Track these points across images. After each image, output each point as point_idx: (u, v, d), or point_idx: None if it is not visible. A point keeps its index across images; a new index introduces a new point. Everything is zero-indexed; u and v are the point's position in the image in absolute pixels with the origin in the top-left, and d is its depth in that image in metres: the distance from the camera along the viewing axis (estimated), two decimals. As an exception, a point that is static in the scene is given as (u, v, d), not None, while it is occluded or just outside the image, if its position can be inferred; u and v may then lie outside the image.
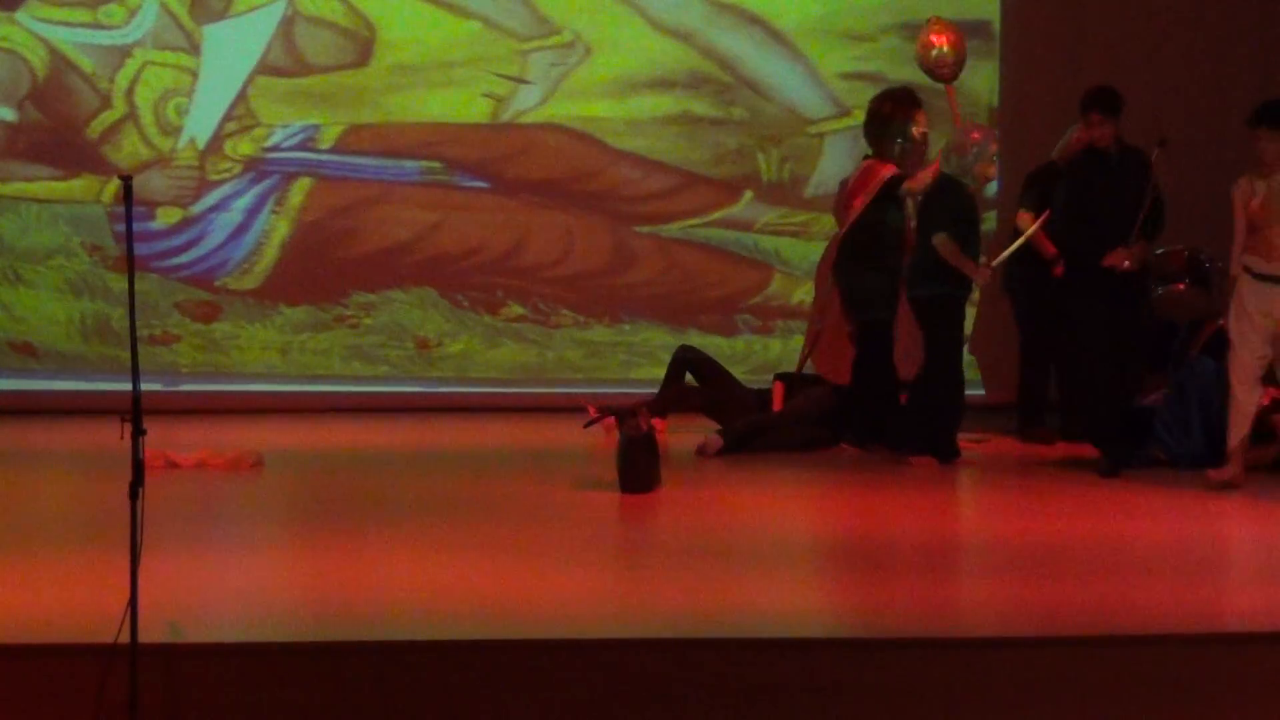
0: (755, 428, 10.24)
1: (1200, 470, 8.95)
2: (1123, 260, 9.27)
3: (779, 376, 10.88)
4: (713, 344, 11.99)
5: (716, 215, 12.46)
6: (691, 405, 10.76)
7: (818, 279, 10.51)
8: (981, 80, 12.47)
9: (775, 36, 12.43)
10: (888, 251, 9.89)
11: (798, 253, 12.44)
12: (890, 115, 10.05)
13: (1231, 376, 8.75)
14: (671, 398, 10.80)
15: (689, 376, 10.99)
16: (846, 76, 12.45)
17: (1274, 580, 6.98)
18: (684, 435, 10.34)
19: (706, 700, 5.58)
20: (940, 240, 9.51)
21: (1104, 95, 9.49)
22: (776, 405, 10.56)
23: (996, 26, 12.46)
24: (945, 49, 10.62)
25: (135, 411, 5.34)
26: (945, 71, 10.67)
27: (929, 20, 10.81)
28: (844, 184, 10.44)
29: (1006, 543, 7.67)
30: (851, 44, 12.42)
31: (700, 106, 12.35)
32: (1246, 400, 8.71)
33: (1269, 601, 6.40)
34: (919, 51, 10.74)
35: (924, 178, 9.84)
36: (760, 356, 12.05)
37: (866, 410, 10.01)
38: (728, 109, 12.37)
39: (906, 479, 9.41)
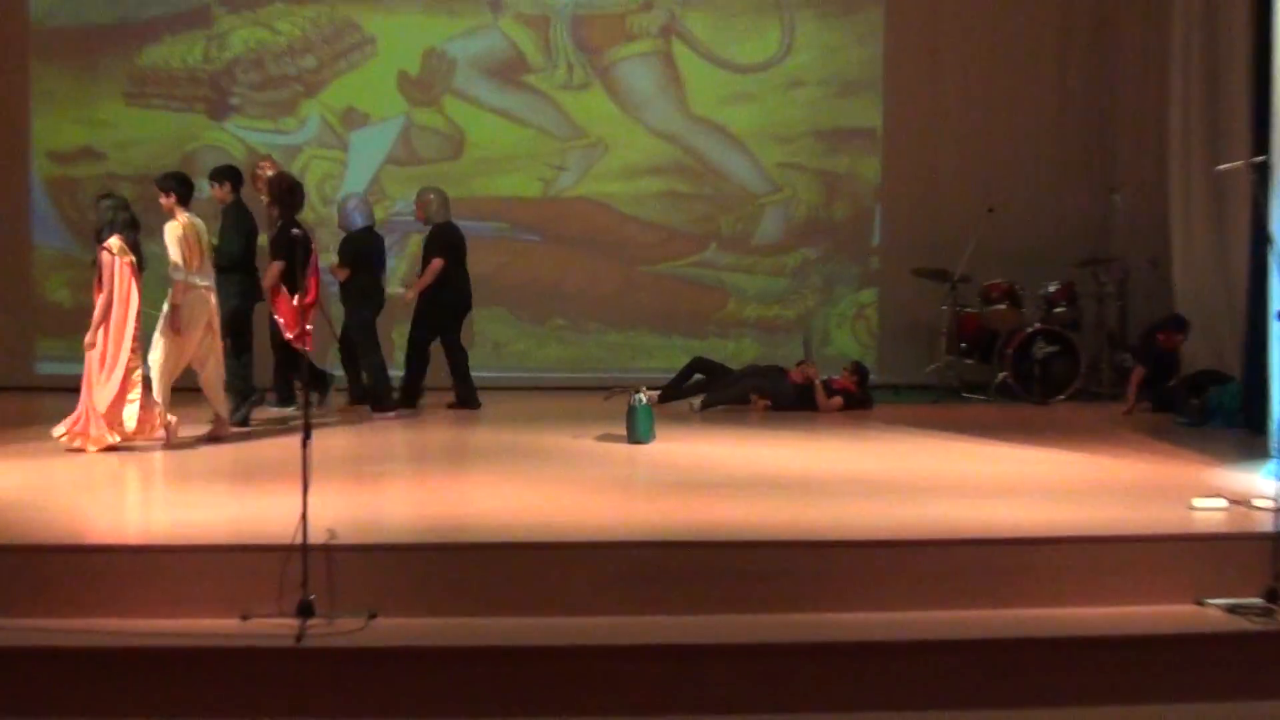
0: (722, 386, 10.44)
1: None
2: None
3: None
4: (690, 344, 12.00)
5: (692, 259, 12.44)
6: (696, 391, 10.76)
7: None
8: (869, 169, 12.49)
9: (731, 138, 12.44)
10: None
11: (746, 284, 12.44)
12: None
13: None
14: (685, 388, 10.87)
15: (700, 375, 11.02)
16: (779, 165, 12.47)
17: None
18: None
19: (687, 583, 5.58)
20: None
21: None
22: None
23: (880, 130, 12.48)
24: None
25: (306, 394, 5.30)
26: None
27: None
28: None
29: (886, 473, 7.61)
30: (781, 144, 12.43)
31: (681, 185, 12.34)
32: None
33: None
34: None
35: None
36: (719, 352, 12.03)
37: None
38: (699, 187, 12.36)
39: (821, 428, 9.38)
